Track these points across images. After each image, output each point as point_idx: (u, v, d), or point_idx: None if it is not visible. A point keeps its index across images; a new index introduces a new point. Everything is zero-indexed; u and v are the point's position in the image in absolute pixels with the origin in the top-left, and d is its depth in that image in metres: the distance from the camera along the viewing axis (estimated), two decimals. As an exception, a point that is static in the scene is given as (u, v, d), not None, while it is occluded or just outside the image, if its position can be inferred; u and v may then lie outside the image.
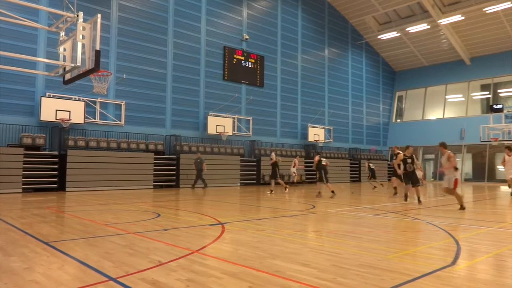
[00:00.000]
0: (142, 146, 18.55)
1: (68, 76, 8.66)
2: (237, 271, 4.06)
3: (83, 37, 7.65)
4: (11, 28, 15.15)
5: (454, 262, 4.53)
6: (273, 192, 15.41)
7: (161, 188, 18.35)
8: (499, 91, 30.43)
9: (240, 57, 23.57)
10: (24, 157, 14.96)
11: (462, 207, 9.71)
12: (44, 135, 16.04)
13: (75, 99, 16.95)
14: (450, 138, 30.94)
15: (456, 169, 9.79)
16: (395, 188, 14.65)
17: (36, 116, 16.23)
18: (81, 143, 16.75)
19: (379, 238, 6.05)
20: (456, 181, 9.74)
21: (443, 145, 10.25)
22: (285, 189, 16.48)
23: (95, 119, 17.87)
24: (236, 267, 4.22)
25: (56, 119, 16.11)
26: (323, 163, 14.17)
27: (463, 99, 32.10)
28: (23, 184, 14.86)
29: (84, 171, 16.14)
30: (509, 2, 24.61)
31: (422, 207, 10.81)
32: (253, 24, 24.61)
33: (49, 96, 16.34)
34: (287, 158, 24.58)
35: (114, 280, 3.69)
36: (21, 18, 8.42)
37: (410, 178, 12.02)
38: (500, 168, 29.57)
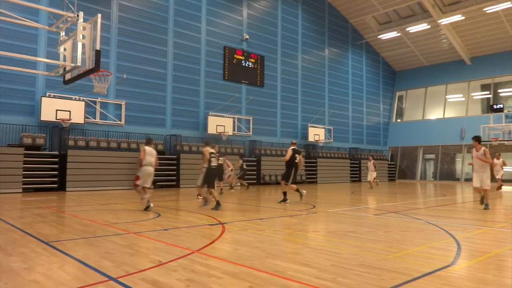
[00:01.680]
0: (142, 146, 18.54)
1: (68, 76, 8.67)
2: (237, 271, 4.06)
3: (83, 37, 7.66)
4: (11, 28, 15.15)
5: (454, 262, 4.53)
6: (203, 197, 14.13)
7: (161, 188, 18.35)
8: (499, 91, 30.42)
9: (240, 57, 23.57)
10: (24, 157, 14.96)
11: (147, 207, 9.02)
12: (44, 135, 16.04)
13: (75, 99, 16.95)
14: (450, 138, 30.99)
15: (140, 165, 9.07)
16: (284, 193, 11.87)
17: (36, 116, 16.23)
18: (81, 143, 16.75)
19: (379, 238, 6.05)
20: (136, 177, 9.11)
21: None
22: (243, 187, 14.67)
23: (95, 119, 17.88)
24: (236, 267, 4.22)
25: (56, 119, 16.11)
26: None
27: (463, 99, 32.09)
28: (23, 184, 14.85)
29: (84, 171, 16.14)
30: (509, 2, 24.60)
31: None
32: (253, 24, 24.61)
33: (49, 96, 16.34)
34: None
35: (114, 280, 3.70)
36: (21, 18, 8.42)
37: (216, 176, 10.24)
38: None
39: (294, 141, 11.93)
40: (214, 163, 9.84)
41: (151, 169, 9.29)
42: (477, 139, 10.01)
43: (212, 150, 10.00)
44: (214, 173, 9.82)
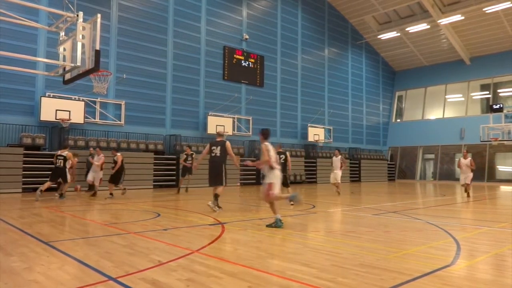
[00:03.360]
0: (142, 146, 18.54)
1: (68, 76, 8.65)
2: (237, 271, 4.06)
3: (83, 37, 7.65)
4: (11, 28, 15.13)
5: (453, 262, 4.53)
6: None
7: (161, 188, 18.35)
8: (499, 91, 30.43)
9: (240, 57, 23.56)
10: (24, 157, 14.94)
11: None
12: (44, 135, 16.03)
13: (75, 99, 16.93)
14: (450, 138, 31.00)
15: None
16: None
17: (36, 116, 16.22)
18: (81, 143, 16.73)
19: (379, 238, 6.05)
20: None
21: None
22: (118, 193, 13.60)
23: (95, 119, 17.86)
24: (236, 267, 4.22)
25: (56, 119, 16.10)
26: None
27: (463, 99, 32.10)
28: (23, 184, 14.84)
29: (84, 171, 16.09)
30: (509, 2, 24.61)
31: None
32: (253, 24, 24.60)
33: (49, 96, 16.33)
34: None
35: (114, 280, 3.69)
36: (21, 18, 8.41)
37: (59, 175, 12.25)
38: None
39: (220, 132, 10.58)
40: (59, 164, 12.19)
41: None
42: (263, 133, 7.49)
43: (60, 153, 12.31)
44: (58, 172, 12.21)
